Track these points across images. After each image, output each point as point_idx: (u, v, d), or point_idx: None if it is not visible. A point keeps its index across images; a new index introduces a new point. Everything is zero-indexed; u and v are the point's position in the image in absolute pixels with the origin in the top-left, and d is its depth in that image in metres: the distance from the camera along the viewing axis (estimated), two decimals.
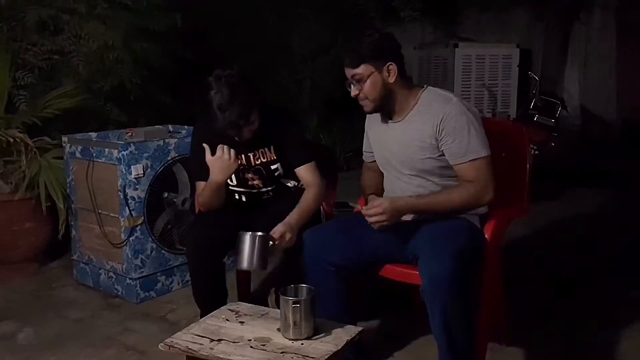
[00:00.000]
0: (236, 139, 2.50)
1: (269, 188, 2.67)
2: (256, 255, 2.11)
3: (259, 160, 2.58)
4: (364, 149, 2.54)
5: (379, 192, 2.43)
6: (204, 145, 2.45)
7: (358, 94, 2.20)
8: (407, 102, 2.23)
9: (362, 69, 2.16)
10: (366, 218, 2.11)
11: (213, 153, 2.47)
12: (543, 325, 2.82)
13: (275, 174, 2.64)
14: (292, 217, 2.40)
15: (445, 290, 1.97)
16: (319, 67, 6.00)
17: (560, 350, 2.62)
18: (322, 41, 6.05)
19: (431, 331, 2.10)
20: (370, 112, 2.29)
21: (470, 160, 2.14)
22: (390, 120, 2.29)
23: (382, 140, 2.35)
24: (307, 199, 2.51)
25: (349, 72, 2.19)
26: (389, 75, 2.17)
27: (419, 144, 2.20)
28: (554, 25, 6.62)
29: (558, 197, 5.07)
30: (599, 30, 6.50)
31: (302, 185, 2.71)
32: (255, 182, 2.65)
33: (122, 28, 3.97)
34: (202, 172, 2.57)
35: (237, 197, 2.69)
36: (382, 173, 2.43)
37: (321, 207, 2.78)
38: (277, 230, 2.31)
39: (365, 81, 2.16)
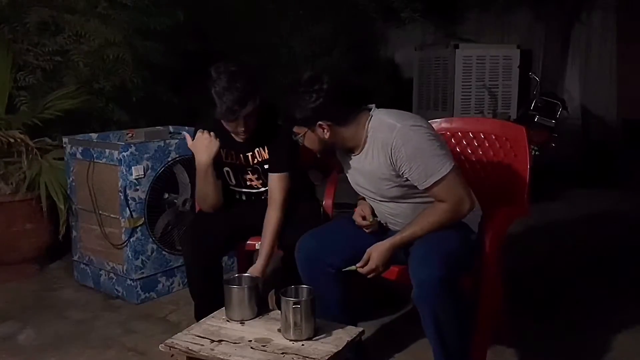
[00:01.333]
0: (236, 139, 2.51)
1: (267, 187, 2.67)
2: (247, 308, 2.05)
3: (256, 159, 2.59)
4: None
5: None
6: (184, 133, 2.49)
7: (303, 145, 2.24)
8: (358, 137, 2.18)
9: (296, 129, 2.19)
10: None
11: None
12: (544, 326, 2.82)
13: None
14: (261, 259, 2.44)
15: (433, 295, 1.98)
16: (320, 68, 6.00)
17: (561, 350, 2.62)
18: (323, 42, 6.05)
19: None
20: (321, 156, 2.31)
21: (434, 183, 2.07)
22: (351, 154, 2.26)
23: (349, 171, 2.32)
24: (269, 225, 2.49)
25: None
26: (323, 132, 2.14)
27: (380, 176, 2.17)
28: (555, 26, 6.61)
29: (559, 198, 5.07)
30: (599, 31, 6.49)
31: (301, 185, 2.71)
32: (254, 182, 2.65)
33: (123, 27, 3.97)
34: None
35: (237, 196, 2.70)
36: None
37: (321, 208, 2.79)
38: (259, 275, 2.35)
39: (304, 138, 2.19)
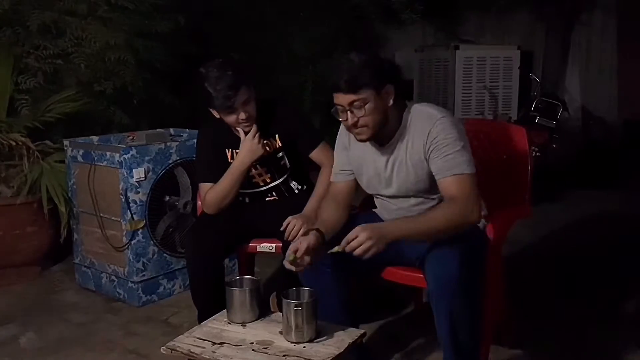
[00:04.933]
0: (240, 134, 2.52)
1: (278, 182, 2.68)
2: (249, 310, 2.04)
3: (266, 152, 2.59)
4: (338, 168, 2.30)
5: (332, 230, 2.15)
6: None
7: (357, 121, 2.03)
8: (394, 124, 2.11)
9: (364, 94, 1.99)
10: (352, 252, 1.89)
11: (218, 156, 2.59)
12: (545, 327, 2.82)
13: (281, 163, 2.66)
14: (309, 207, 2.49)
15: (451, 293, 1.96)
16: (320, 70, 6.01)
17: (563, 352, 2.62)
18: (323, 44, 6.05)
19: (433, 333, 2.10)
20: (367, 140, 2.11)
21: (453, 175, 2.02)
22: (375, 143, 2.16)
23: (368, 163, 2.22)
24: (323, 182, 2.55)
25: (346, 98, 2.00)
26: (387, 98, 2.04)
27: (410, 165, 2.12)
28: (555, 26, 6.61)
29: (559, 199, 5.07)
30: (599, 32, 6.50)
31: (306, 188, 2.72)
32: (263, 176, 2.66)
33: (124, 30, 3.98)
34: (207, 173, 2.60)
35: (240, 198, 2.70)
36: (347, 204, 2.29)
37: None
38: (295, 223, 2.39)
39: (367, 107, 2.00)
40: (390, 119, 2.09)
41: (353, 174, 2.28)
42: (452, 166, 2.04)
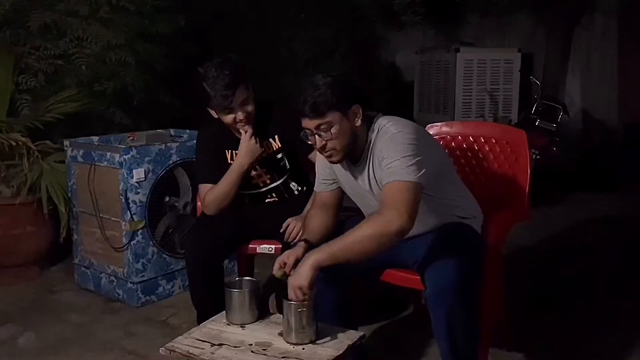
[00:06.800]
0: (240, 134, 2.53)
1: (278, 183, 2.68)
2: (248, 311, 2.04)
3: (265, 152, 2.60)
4: (321, 178, 2.27)
5: (321, 238, 2.16)
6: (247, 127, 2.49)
7: (325, 144, 2.01)
8: (363, 142, 2.07)
9: (330, 117, 1.98)
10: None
11: (218, 157, 2.59)
12: (544, 329, 2.82)
13: (281, 164, 2.66)
14: (308, 208, 2.45)
15: (449, 298, 1.96)
16: (321, 72, 6.01)
17: (562, 354, 2.62)
18: (324, 45, 6.06)
19: (432, 335, 2.10)
20: (338, 163, 2.09)
21: (388, 183, 1.94)
22: (350, 163, 2.13)
23: (345, 181, 2.20)
24: None
25: (312, 122, 2.00)
26: (355, 119, 2.02)
27: (379, 182, 2.06)
28: (556, 29, 6.62)
29: (559, 202, 5.07)
30: (600, 35, 6.50)
31: (305, 189, 2.72)
32: (262, 177, 2.66)
33: (125, 31, 3.99)
34: (207, 174, 2.60)
35: (239, 199, 2.69)
36: (334, 212, 2.27)
37: None
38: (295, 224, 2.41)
39: (333, 130, 1.98)
40: (360, 138, 2.07)
41: (336, 182, 2.25)
42: (388, 174, 1.96)
